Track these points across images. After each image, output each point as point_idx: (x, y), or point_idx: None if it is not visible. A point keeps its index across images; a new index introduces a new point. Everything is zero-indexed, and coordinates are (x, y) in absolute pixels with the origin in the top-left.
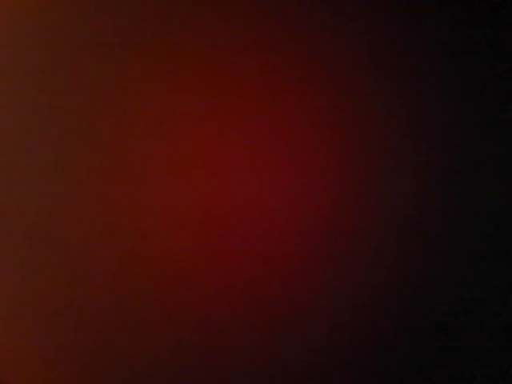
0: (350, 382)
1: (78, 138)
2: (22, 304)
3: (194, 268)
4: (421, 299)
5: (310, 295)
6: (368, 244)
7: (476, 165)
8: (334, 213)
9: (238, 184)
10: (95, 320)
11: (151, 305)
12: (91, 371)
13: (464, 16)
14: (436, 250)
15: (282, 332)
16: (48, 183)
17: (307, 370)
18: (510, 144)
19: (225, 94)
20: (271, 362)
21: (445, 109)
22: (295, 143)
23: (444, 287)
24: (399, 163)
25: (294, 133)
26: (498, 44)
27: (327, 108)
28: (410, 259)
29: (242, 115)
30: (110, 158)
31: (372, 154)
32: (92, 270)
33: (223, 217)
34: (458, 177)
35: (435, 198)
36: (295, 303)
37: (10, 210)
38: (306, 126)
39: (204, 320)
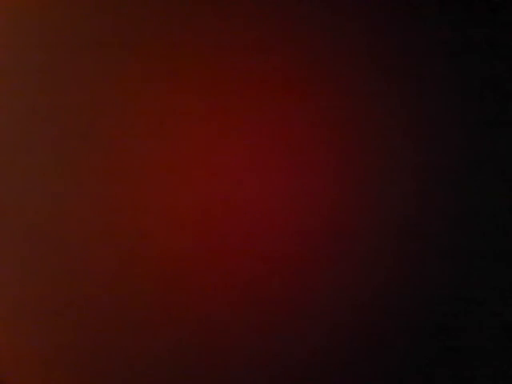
0: (350, 382)
1: (78, 138)
2: (22, 304)
3: (194, 268)
4: (421, 299)
5: (310, 295)
6: (368, 244)
7: (476, 165)
8: (334, 213)
9: (238, 184)
10: (95, 320)
11: (151, 305)
12: (91, 371)
13: (464, 16)
14: (436, 250)
15: (282, 332)
16: (48, 183)
17: (307, 370)
18: (510, 144)
19: (225, 94)
20: (271, 361)
21: (445, 109)
22: (295, 143)
23: (444, 287)
24: (399, 163)
25: (294, 133)
26: (498, 44)
27: (327, 108)
28: (410, 259)
29: (241, 115)
30: (109, 158)
31: (372, 154)
32: (92, 270)
33: (223, 217)
34: (458, 177)
35: (435, 198)
36: (295, 303)
37: (10, 210)
38: (306, 125)
39: (204, 320)
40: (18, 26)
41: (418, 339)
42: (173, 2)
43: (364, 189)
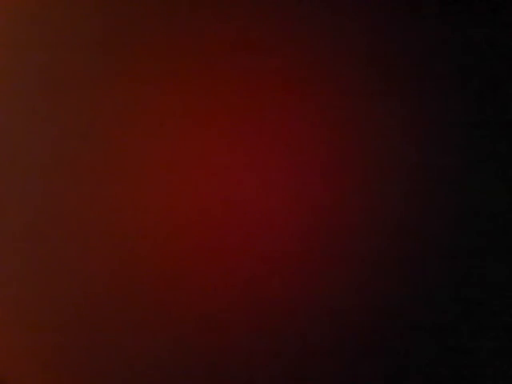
0: (350, 382)
1: (78, 138)
2: (22, 304)
3: (194, 268)
4: (421, 299)
5: (310, 295)
6: (368, 244)
7: (476, 165)
8: (334, 213)
9: (237, 184)
10: (95, 320)
11: (151, 304)
12: (91, 371)
13: (464, 16)
14: (436, 250)
15: (282, 332)
16: (48, 183)
17: (307, 370)
18: (510, 144)
19: (225, 94)
20: (271, 361)
21: (445, 109)
22: (295, 143)
23: (444, 287)
24: (399, 163)
25: (293, 133)
26: (498, 44)
27: (327, 108)
28: (410, 259)
29: (241, 115)
30: (110, 158)
31: (372, 154)
32: (92, 270)
33: (223, 217)
34: (458, 177)
35: (435, 198)
36: (295, 303)
37: (10, 210)
38: (306, 125)
39: (204, 320)
40: (17, 26)
41: (418, 339)
42: (173, 2)
43: (364, 189)
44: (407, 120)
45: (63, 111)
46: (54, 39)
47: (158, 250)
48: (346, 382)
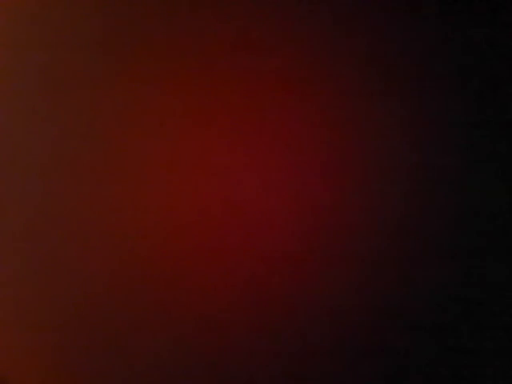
0: (350, 382)
1: (78, 138)
2: (22, 304)
3: (194, 268)
4: (421, 299)
5: (310, 295)
6: (368, 244)
7: (476, 165)
8: (334, 213)
9: (237, 184)
10: (95, 320)
11: (151, 304)
12: (91, 371)
13: (464, 16)
14: (436, 250)
15: (282, 332)
16: (48, 183)
17: (307, 370)
18: (510, 144)
19: (225, 94)
20: (271, 362)
21: (445, 109)
22: (295, 143)
23: (444, 287)
24: (399, 163)
25: (293, 133)
26: (498, 44)
27: (327, 108)
28: (410, 259)
29: (241, 115)
30: (110, 158)
31: (372, 154)
32: (92, 270)
33: (223, 217)
34: (458, 177)
35: (435, 198)
36: (295, 303)
37: (10, 210)
38: (306, 125)
39: (204, 320)
40: (18, 26)
41: (418, 339)
42: (173, 2)
43: (364, 189)
44: (407, 120)
45: (63, 111)
46: (54, 39)
47: (158, 249)
48: (346, 382)
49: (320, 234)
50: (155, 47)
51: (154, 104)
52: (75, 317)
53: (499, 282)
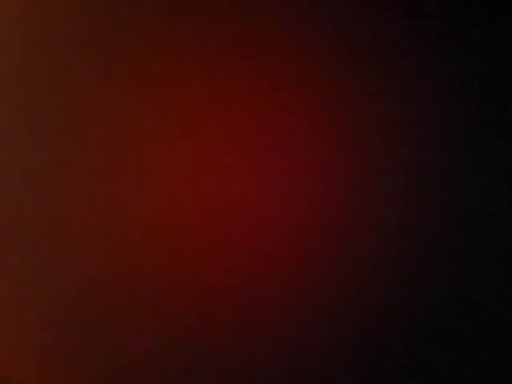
0: (350, 382)
1: (78, 138)
2: (22, 304)
3: (194, 268)
4: (421, 299)
5: (310, 295)
6: (368, 244)
7: (476, 165)
8: (333, 213)
9: (237, 184)
10: (95, 320)
11: (151, 304)
12: (91, 371)
13: (464, 16)
14: (436, 250)
15: (282, 332)
16: (48, 183)
17: (307, 370)
18: (510, 144)
19: (225, 94)
20: (271, 361)
21: (445, 109)
22: (295, 143)
23: (444, 287)
24: (399, 163)
25: (293, 132)
26: (498, 44)
27: (327, 108)
28: (410, 259)
29: (242, 115)
30: (110, 158)
31: (372, 154)
32: (92, 270)
33: (223, 216)
34: (458, 177)
35: (435, 198)
36: (295, 303)
37: (10, 210)
38: (306, 125)
39: (204, 320)
40: (17, 26)
41: (418, 339)
42: (173, 2)
43: (364, 188)
44: (407, 120)
45: (63, 111)
46: (53, 39)
47: (158, 250)
48: (346, 382)
49: (320, 234)
50: (155, 47)
51: (154, 104)
52: (75, 317)
53: (499, 282)
